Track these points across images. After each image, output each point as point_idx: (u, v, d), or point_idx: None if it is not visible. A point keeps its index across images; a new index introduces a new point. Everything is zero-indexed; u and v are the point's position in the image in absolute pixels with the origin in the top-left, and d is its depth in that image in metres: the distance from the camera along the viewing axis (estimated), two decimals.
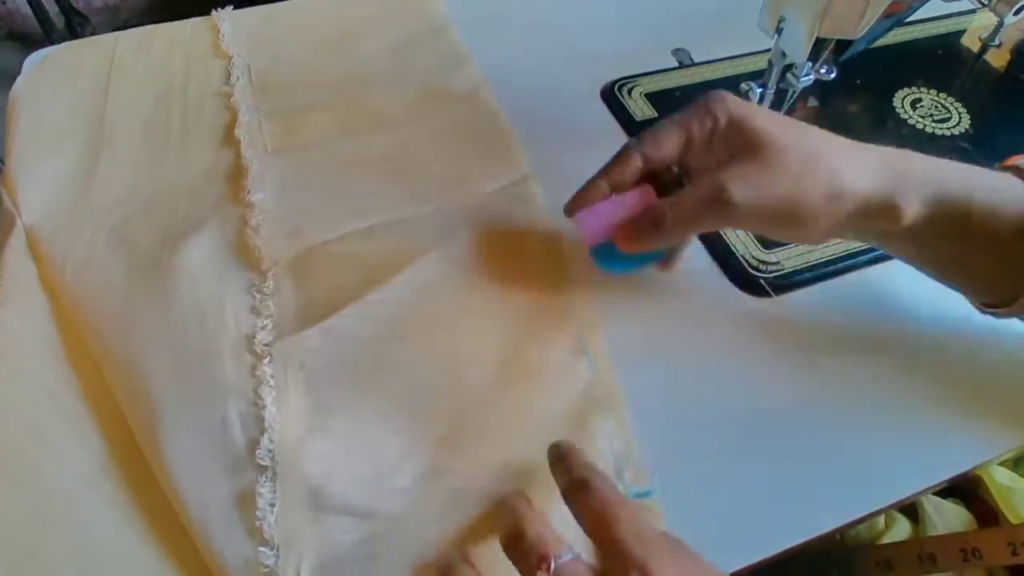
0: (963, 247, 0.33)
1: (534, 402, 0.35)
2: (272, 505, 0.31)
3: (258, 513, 0.30)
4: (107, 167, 0.45)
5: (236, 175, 0.44)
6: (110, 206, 0.42)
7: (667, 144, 0.35)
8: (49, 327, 0.37)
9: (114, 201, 0.43)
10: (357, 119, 0.49)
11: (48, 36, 1.40)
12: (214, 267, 0.39)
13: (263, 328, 0.37)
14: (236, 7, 0.56)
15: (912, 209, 0.32)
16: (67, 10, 1.43)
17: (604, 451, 0.34)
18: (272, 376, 0.35)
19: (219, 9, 0.56)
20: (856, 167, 0.32)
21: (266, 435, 0.33)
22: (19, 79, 0.50)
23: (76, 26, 1.47)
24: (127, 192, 0.43)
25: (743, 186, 0.32)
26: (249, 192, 0.42)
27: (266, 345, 0.36)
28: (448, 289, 0.39)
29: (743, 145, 0.33)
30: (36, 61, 0.52)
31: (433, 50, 0.54)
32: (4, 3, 1.55)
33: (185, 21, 0.55)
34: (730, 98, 0.34)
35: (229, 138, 0.47)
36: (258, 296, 0.38)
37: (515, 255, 0.41)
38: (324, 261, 0.40)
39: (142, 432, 0.33)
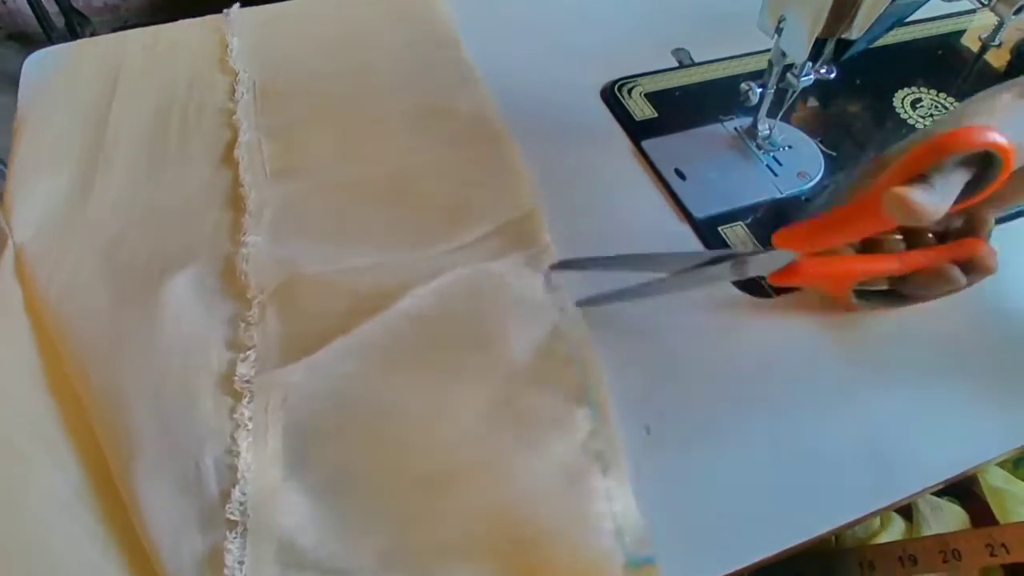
0: None
1: (529, 451, 0.33)
2: (241, 563, 0.30)
3: (226, 571, 0.30)
4: (103, 185, 0.44)
5: (233, 200, 0.43)
6: (101, 226, 0.41)
7: None
8: (32, 352, 0.36)
9: (106, 220, 0.42)
10: (360, 140, 0.47)
11: (48, 36, 1.41)
12: (200, 297, 0.38)
13: (244, 360, 0.35)
14: (242, 6, 0.56)
15: None
16: (67, 10, 1.43)
17: (603, 513, 0.31)
18: (251, 418, 0.34)
19: (228, 9, 0.55)
20: None
21: (237, 487, 0.32)
22: (25, 97, 0.49)
23: (76, 26, 1.47)
24: (121, 212, 0.42)
25: None
26: (245, 232, 0.41)
27: (247, 382, 0.35)
28: (443, 323, 0.37)
29: None
30: (36, 61, 0.52)
31: (441, 67, 0.52)
32: (4, 3, 1.55)
33: (192, 25, 0.54)
34: None
35: (228, 158, 0.45)
36: (242, 325, 0.37)
37: (517, 291, 0.39)
38: (312, 289, 0.38)
39: (118, 470, 0.32)
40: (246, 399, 0.34)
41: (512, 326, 0.37)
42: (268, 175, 0.45)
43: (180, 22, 0.55)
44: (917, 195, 0.29)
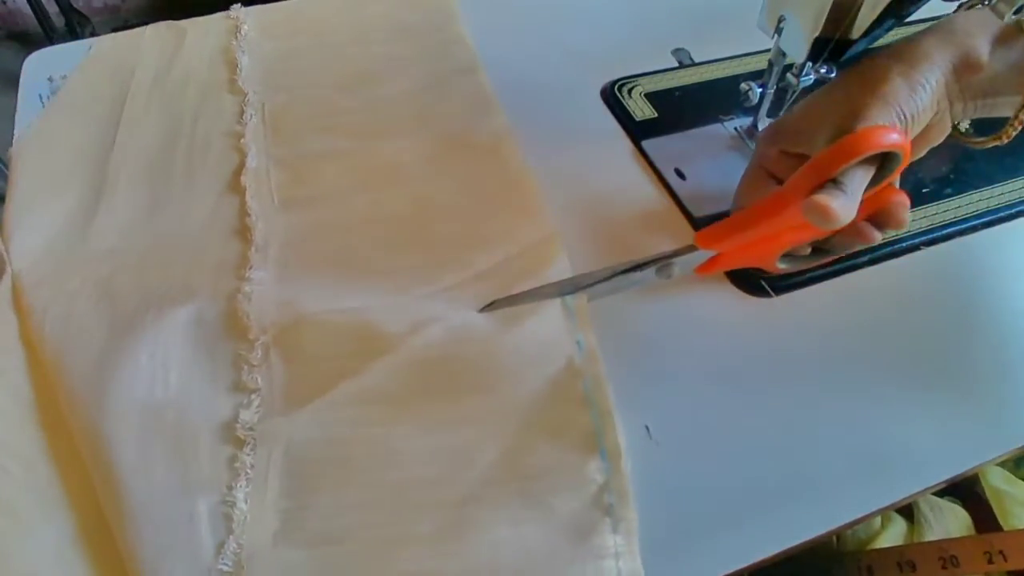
0: None
1: (538, 506, 0.32)
2: None
3: None
4: (106, 212, 0.42)
5: (239, 230, 0.41)
6: (102, 255, 0.40)
7: None
8: (25, 387, 0.35)
9: (108, 249, 0.40)
10: (372, 170, 0.45)
11: (48, 36, 1.41)
12: (200, 336, 0.36)
13: (246, 406, 0.34)
14: (244, 4, 0.55)
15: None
16: (67, 10, 1.43)
17: (608, 570, 0.30)
18: (252, 466, 0.32)
19: (234, 9, 0.54)
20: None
21: (232, 538, 0.31)
22: (26, 115, 0.47)
23: (76, 26, 1.47)
24: (123, 240, 0.41)
25: None
26: (252, 267, 0.39)
27: (249, 429, 0.33)
28: (452, 364, 0.36)
29: None
30: (36, 61, 0.52)
31: (460, 94, 0.50)
32: (4, 3, 1.55)
33: (200, 36, 0.53)
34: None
35: (235, 184, 0.44)
36: (246, 368, 0.35)
37: (531, 322, 0.37)
38: (317, 330, 0.37)
39: (111, 517, 0.31)
40: (248, 446, 0.33)
41: (525, 363, 0.36)
42: (276, 204, 0.43)
43: (188, 28, 0.53)
44: (836, 203, 0.31)
